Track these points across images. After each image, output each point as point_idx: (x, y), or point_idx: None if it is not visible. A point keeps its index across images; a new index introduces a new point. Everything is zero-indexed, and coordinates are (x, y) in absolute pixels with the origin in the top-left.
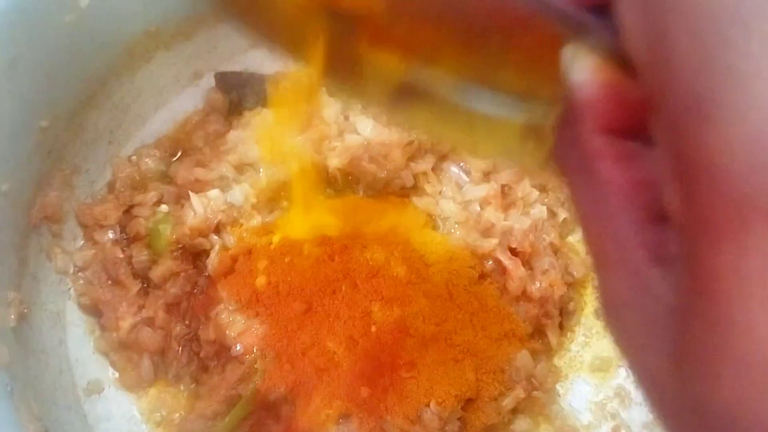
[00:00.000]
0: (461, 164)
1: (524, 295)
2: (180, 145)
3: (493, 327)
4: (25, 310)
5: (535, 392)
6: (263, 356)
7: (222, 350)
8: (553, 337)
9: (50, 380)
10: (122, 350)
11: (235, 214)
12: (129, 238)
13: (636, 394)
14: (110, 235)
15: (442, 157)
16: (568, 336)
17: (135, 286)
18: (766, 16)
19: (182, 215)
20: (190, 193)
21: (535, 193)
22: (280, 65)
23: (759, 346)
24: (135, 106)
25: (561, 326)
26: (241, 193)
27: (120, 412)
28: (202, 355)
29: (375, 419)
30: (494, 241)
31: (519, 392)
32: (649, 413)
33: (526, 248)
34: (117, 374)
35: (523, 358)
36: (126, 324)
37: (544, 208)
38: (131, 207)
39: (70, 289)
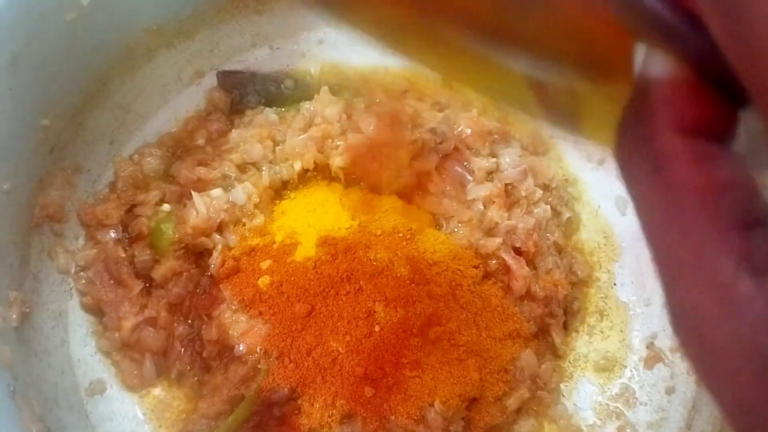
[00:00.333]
0: (464, 163)
1: (528, 295)
2: (182, 144)
3: (497, 327)
4: (27, 310)
5: (539, 392)
6: (266, 356)
7: (225, 350)
8: (557, 337)
9: (52, 380)
10: (124, 350)
11: (237, 214)
12: (131, 238)
13: (641, 394)
14: (112, 234)
15: (445, 156)
16: (573, 336)
17: (137, 286)
18: None
19: (184, 214)
20: (193, 192)
21: (539, 192)
22: (282, 64)
23: None
24: (136, 105)
25: (565, 326)
26: (243, 192)
27: (122, 412)
28: (204, 355)
29: (379, 419)
30: (498, 241)
31: (523, 392)
32: (654, 413)
33: (530, 247)
34: (119, 374)
35: (527, 357)
36: (128, 324)
37: (548, 207)
38: (133, 206)
39: (72, 288)
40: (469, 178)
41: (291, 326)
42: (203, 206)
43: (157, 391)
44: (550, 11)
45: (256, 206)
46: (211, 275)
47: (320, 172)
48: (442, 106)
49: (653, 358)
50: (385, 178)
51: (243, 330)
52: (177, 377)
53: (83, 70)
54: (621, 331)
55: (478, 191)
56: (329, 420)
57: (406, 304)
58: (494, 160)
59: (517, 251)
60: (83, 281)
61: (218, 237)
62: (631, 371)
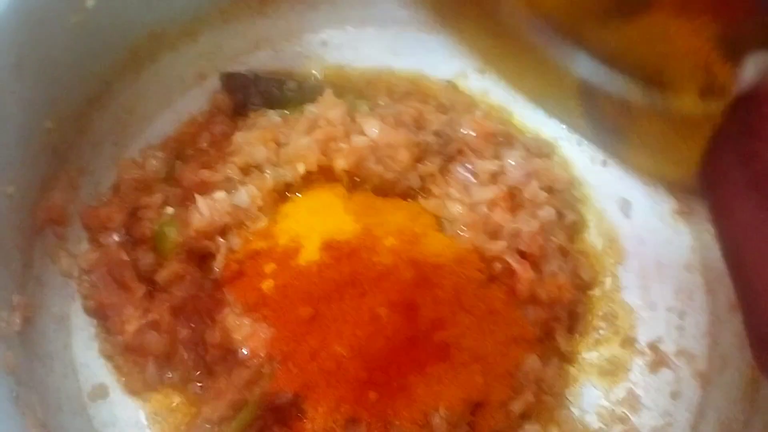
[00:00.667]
0: (468, 166)
1: (533, 299)
2: (185, 147)
3: (502, 331)
4: (30, 314)
5: (544, 397)
6: (270, 360)
7: (228, 354)
8: (562, 341)
9: (55, 385)
10: (127, 354)
11: (241, 216)
12: (134, 241)
13: (646, 399)
14: (115, 237)
15: (449, 159)
16: (577, 340)
17: (140, 289)
18: None
19: (188, 217)
20: (196, 195)
21: (544, 195)
22: (285, 66)
23: None
24: (140, 108)
25: (570, 330)
26: (247, 194)
27: (125, 417)
28: (208, 359)
29: (383, 424)
30: (502, 244)
31: (528, 396)
32: (659, 418)
33: (535, 251)
34: (122, 379)
35: (532, 362)
36: (131, 327)
37: (553, 209)
38: (136, 209)
39: (74, 292)
40: (473, 180)
41: (295, 330)
42: (206, 209)
43: (160, 395)
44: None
45: (259, 209)
46: (215, 279)
47: (324, 175)
48: (445, 108)
49: (658, 362)
50: (389, 181)
51: (246, 334)
52: (180, 381)
53: (87, 72)
54: (626, 335)
55: (482, 194)
56: (333, 425)
57: (410, 308)
58: (498, 162)
59: (522, 254)
60: (86, 284)
61: (222, 240)
62: (636, 375)
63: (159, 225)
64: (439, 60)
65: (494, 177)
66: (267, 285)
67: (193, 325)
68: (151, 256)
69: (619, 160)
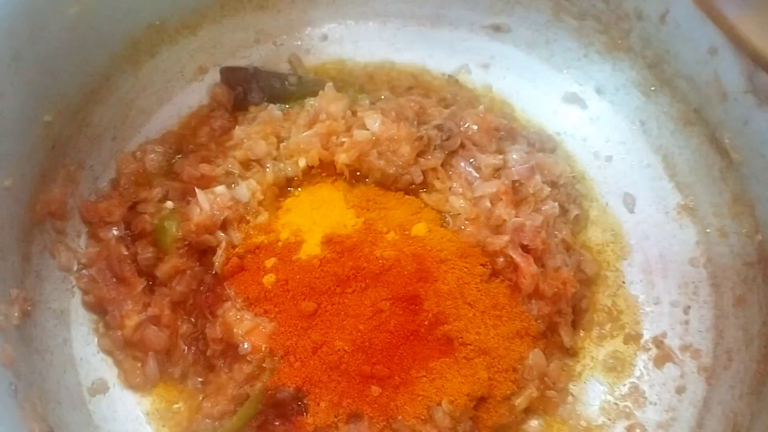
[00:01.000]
0: (471, 160)
1: (536, 293)
2: (185, 141)
3: (505, 325)
4: (29, 308)
5: (548, 391)
6: (272, 355)
7: (229, 349)
8: (565, 336)
9: (55, 379)
10: (127, 349)
11: (241, 211)
12: (134, 235)
13: (650, 393)
14: (115, 231)
15: (452, 153)
16: (581, 334)
17: (140, 284)
18: None
19: (188, 212)
20: (196, 189)
21: (547, 189)
22: (286, 60)
23: None
24: (139, 101)
25: (574, 324)
26: (247, 189)
27: (125, 411)
28: (208, 353)
29: (386, 418)
30: (505, 238)
31: (532, 391)
32: (664, 413)
33: (538, 245)
34: (122, 374)
35: (535, 356)
36: (131, 322)
37: (556, 204)
38: (136, 203)
39: (74, 286)
40: (476, 175)
41: (296, 324)
42: (207, 203)
43: (160, 390)
44: None
45: (260, 203)
46: (215, 273)
47: (325, 169)
48: (447, 103)
49: (663, 357)
50: (390, 175)
51: (248, 328)
52: (180, 376)
53: (86, 65)
54: (630, 330)
55: (485, 188)
56: (335, 419)
57: (412, 302)
58: (501, 156)
59: (525, 249)
60: (85, 279)
61: (222, 234)
62: (640, 370)
63: (159, 219)
64: (442, 54)
65: (497, 171)
66: (268, 279)
67: (193, 320)
68: (151, 251)
69: None
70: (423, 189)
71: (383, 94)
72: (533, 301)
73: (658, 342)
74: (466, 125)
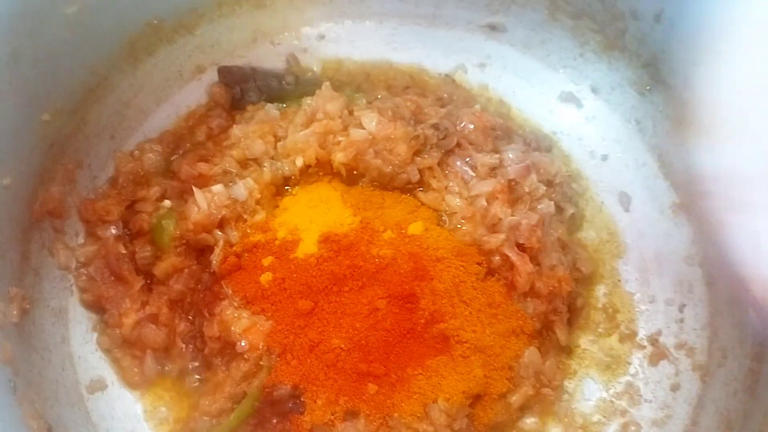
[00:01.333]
0: (467, 159)
1: (532, 291)
2: (183, 140)
3: (501, 323)
4: (28, 306)
5: (543, 389)
6: (269, 353)
7: (226, 347)
8: (561, 334)
9: (53, 377)
10: (125, 347)
11: (238, 210)
12: (132, 234)
13: (645, 391)
14: (113, 230)
15: (448, 152)
16: (577, 333)
17: (138, 283)
18: None
19: (186, 210)
20: (194, 188)
21: (543, 188)
22: (283, 60)
23: None
24: (137, 101)
25: (569, 323)
26: (244, 188)
27: (123, 409)
28: (206, 352)
29: (382, 416)
30: (501, 237)
31: (527, 389)
32: (659, 411)
33: (534, 244)
34: (120, 372)
35: (531, 354)
36: (129, 321)
37: (552, 203)
38: (134, 202)
39: (72, 285)
40: (472, 174)
41: (293, 323)
42: (204, 202)
43: (158, 388)
44: None
45: (257, 202)
46: (213, 272)
47: (322, 168)
48: (444, 102)
49: (658, 355)
50: (387, 174)
51: (245, 327)
52: (178, 374)
53: (84, 65)
54: (626, 328)
55: (481, 187)
56: (332, 417)
57: (409, 300)
58: (497, 155)
59: (521, 247)
60: (84, 278)
61: (219, 233)
62: (635, 368)
63: (157, 218)
64: (438, 54)
65: (493, 170)
66: (265, 278)
67: (191, 318)
68: (149, 250)
69: None
70: (419, 188)
71: (380, 93)
72: (529, 299)
73: (653, 340)
74: (462, 124)
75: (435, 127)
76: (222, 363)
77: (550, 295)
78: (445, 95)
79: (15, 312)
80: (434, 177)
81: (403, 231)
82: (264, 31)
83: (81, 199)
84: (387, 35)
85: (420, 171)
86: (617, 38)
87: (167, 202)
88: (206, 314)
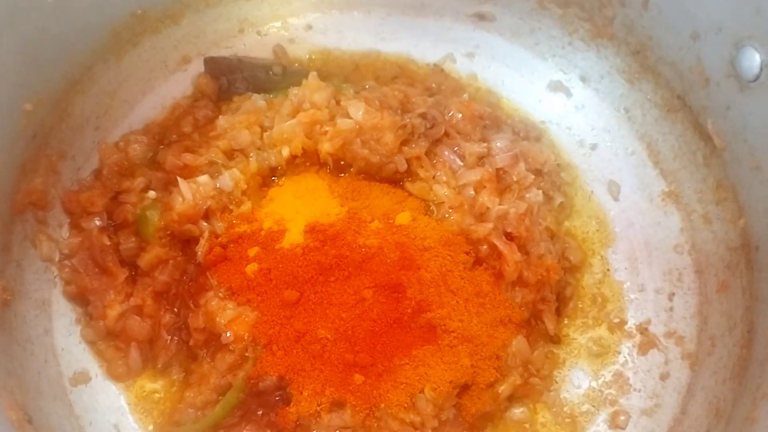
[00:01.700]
0: (455, 148)
1: (520, 281)
2: (168, 131)
3: (489, 313)
4: (9, 298)
5: (531, 379)
6: (254, 344)
7: (211, 338)
8: (549, 323)
9: (35, 369)
10: (109, 339)
11: (224, 200)
12: (116, 225)
13: (635, 380)
14: (97, 222)
15: (436, 142)
16: (566, 322)
17: (123, 274)
18: None
19: (171, 201)
20: (179, 179)
21: (531, 177)
22: (270, 50)
23: None
24: (122, 92)
25: (558, 312)
26: (230, 178)
27: (107, 402)
28: (191, 343)
29: (368, 406)
30: (489, 226)
31: (515, 379)
32: (648, 400)
33: (522, 233)
34: (104, 364)
35: (519, 344)
36: (114, 312)
37: (540, 192)
38: (118, 193)
39: (55, 277)
40: (460, 163)
41: (279, 313)
42: (189, 193)
43: (143, 380)
44: None
45: (243, 193)
46: (198, 263)
47: (309, 159)
48: (432, 92)
49: (647, 344)
50: (374, 164)
51: (230, 318)
52: (163, 366)
53: (67, 54)
54: (615, 318)
55: (469, 176)
56: (318, 408)
57: (396, 290)
58: (485, 144)
59: (509, 237)
60: (67, 269)
61: (205, 224)
62: (624, 357)
63: (141, 209)
64: (426, 44)
65: (481, 159)
66: (251, 269)
67: (176, 310)
68: (134, 241)
69: None
70: (407, 178)
71: (368, 83)
72: (517, 288)
73: (643, 329)
74: (450, 114)
75: (422, 116)
76: (207, 354)
77: (539, 284)
78: (434, 85)
79: None
80: (422, 166)
81: (390, 221)
82: (251, 21)
83: (65, 190)
84: (375, 25)
85: (407, 160)
86: (605, 26)
87: (152, 193)
88: (191, 305)
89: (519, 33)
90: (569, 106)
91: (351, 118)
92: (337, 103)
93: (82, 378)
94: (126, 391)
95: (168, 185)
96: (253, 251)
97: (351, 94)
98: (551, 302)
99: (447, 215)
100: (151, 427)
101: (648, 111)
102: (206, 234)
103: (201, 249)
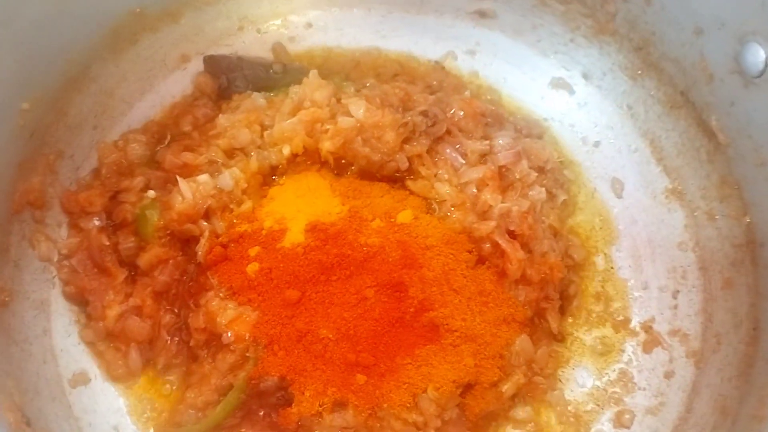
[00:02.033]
0: (457, 146)
1: (523, 279)
2: (168, 130)
3: (492, 311)
4: (7, 298)
5: (535, 378)
6: (255, 344)
7: (212, 339)
8: (553, 322)
9: (33, 370)
10: (109, 340)
11: (224, 200)
12: (115, 225)
13: (639, 379)
14: (96, 221)
15: (438, 140)
16: (569, 320)
17: (122, 274)
18: None
19: (170, 200)
20: (178, 178)
21: (533, 175)
22: (270, 48)
23: None
24: (120, 90)
25: (562, 310)
26: (231, 177)
27: (106, 403)
28: (191, 343)
29: (371, 407)
30: (492, 224)
31: (519, 378)
32: (653, 398)
33: (525, 231)
34: (104, 365)
35: (522, 342)
36: (113, 313)
37: (543, 189)
38: (117, 193)
39: (54, 277)
40: (462, 161)
41: (280, 313)
42: (189, 192)
43: (142, 381)
44: None
45: (244, 192)
46: (198, 263)
47: (309, 157)
48: (434, 89)
49: (651, 342)
50: (376, 162)
51: (231, 318)
52: (163, 367)
53: (64, 53)
54: (619, 316)
55: (471, 174)
56: (320, 408)
57: (398, 289)
58: (487, 142)
59: (512, 235)
60: (66, 270)
61: (205, 224)
62: (629, 356)
63: (140, 208)
64: (427, 41)
65: (483, 157)
66: (252, 268)
67: (176, 310)
68: (133, 241)
69: None
70: (409, 176)
71: (368, 81)
72: (520, 286)
73: (647, 327)
74: (452, 111)
75: (424, 114)
76: (208, 355)
77: (542, 283)
78: (435, 82)
79: None
80: (423, 164)
81: (392, 219)
82: (250, 19)
83: (63, 190)
84: (375, 23)
85: (409, 159)
86: (608, 22)
87: (151, 193)
88: (191, 305)
89: (520, 30)
90: (572, 103)
91: (352, 116)
92: (338, 101)
93: (81, 379)
94: (125, 393)
95: (167, 184)
96: (253, 251)
97: (352, 92)
98: (555, 300)
99: (449, 213)
100: (151, 429)
101: (651, 107)
102: (206, 233)
103: (201, 249)
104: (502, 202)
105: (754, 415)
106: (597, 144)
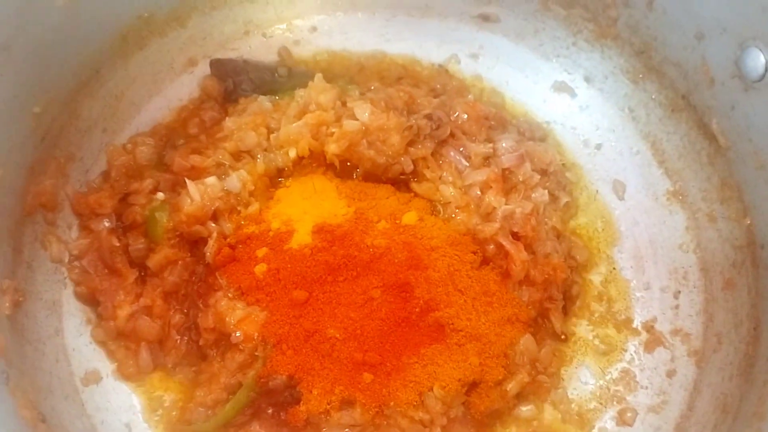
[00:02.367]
0: (461, 149)
1: (527, 280)
2: (176, 133)
3: (496, 311)
4: (21, 299)
5: (539, 376)
6: (264, 343)
7: (221, 338)
8: (556, 321)
9: (47, 369)
10: (120, 340)
11: (232, 201)
12: (125, 227)
13: (641, 378)
14: (106, 223)
15: (442, 143)
16: (572, 320)
17: (132, 275)
18: None
19: (179, 202)
20: (187, 180)
21: (537, 177)
22: (275, 52)
23: None
24: (129, 94)
25: (565, 310)
26: (238, 179)
27: (118, 401)
28: (201, 343)
29: (378, 405)
30: (496, 226)
31: (523, 376)
32: (655, 397)
33: (528, 232)
34: (115, 364)
35: (526, 342)
36: (123, 313)
37: (546, 191)
38: (127, 195)
39: (66, 278)
40: (466, 163)
41: (288, 313)
42: (197, 194)
43: (153, 380)
44: None
45: (251, 194)
46: (207, 263)
47: (315, 160)
48: (437, 93)
49: (653, 342)
50: (381, 165)
51: (240, 317)
52: (173, 366)
53: (75, 57)
54: (621, 316)
55: (475, 176)
56: (328, 406)
57: (404, 289)
58: (491, 145)
59: (515, 236)
60: (77, 270)
61: (213, 225)
62: (631, 355)
63: (150, 210)
64: (431, 45)
65: (487, 160)
66: (260, 269)
67: (185, 310)
68: (143, 242)
69: None
70: (414, 179)
71: (373, 84)
72: (524, 287)
73: (649, 327)
74: (455, 114)
75: (428, 117)
76: (217, 354)
77: (545, 283)
78: (438, 86)
79: (7, 304)
80: (428, 167)
81: (397, 221)
82: (256, 23)
83: (74, 192)
84: (379, 26)
85: (414, 161)
86: (609, 26)
87: (160, 195)
88: (201, 306)
89: (523, 34)
90: (574, 106)
91: (357, 119)
92: (343, 104)
93: (93, 378)
94: (137, 391)
95: (176, 186)
96: (261, 252)
97: (357, 95)
98: (558, 301)
99: (453, 215)
100: (162, 427)
101: (652, 111)
102: (215, 235)
103: (210, 250)
104: (506, 204)
105: (754, 413)
106: (599, 147)
